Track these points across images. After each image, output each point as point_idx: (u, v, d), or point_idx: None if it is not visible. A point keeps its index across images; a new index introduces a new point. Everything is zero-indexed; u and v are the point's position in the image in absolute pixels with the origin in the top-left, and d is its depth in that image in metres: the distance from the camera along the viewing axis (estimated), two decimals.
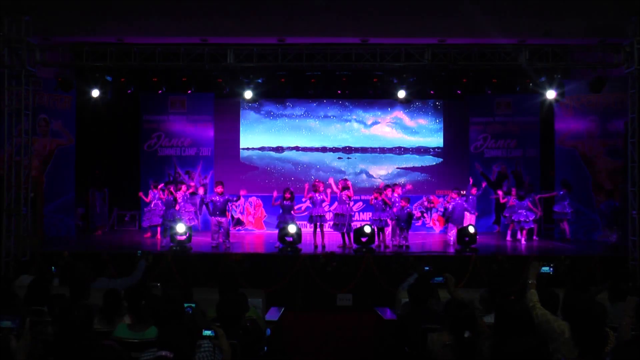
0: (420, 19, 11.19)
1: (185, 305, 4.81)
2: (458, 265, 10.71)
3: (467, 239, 11.39)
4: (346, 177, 14.48)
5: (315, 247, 12.01)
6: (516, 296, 5.41)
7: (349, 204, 12.30)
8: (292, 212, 12.31)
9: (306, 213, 12.97)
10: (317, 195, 12.25)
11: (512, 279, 10.07)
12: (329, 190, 12.50)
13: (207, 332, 4.12)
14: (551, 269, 5.32)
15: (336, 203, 12.46)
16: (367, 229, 11.47)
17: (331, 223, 12.56)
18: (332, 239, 13.04)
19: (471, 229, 11.55)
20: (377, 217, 12.21)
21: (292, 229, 11.31)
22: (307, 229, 12.84)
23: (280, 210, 12.34)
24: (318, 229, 12.28)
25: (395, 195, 12.32)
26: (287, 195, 12.20)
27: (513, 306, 4.00)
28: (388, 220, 12.24)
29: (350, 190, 12.36)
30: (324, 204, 12.46)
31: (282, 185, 13.41)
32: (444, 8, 11.04)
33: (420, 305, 5.80)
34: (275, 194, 12.27)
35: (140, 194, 13.96)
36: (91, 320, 4.22)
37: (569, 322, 4.08)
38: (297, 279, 10.68)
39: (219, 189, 12.27)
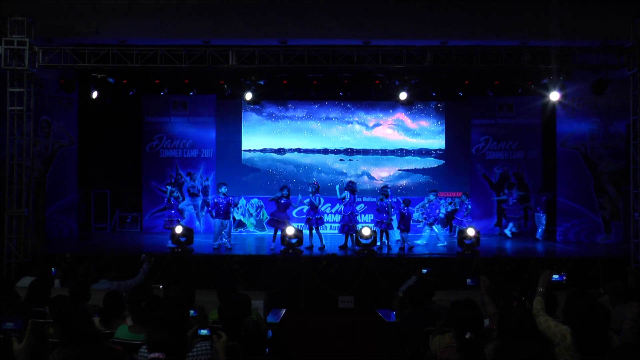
0: (421, 21, 11.19)
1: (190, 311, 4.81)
2: (460, 268, 10.70)
3: (468, 241, 11.39)
4: (350, 179, 14.50)
5: (311, 247, 11.96)
6: (518, 298, 5.39)
7: (353, 205, 12.31)
8: (287, 210, 12.29)
9: (304, 215, 13.02)
10: (316, 197, 12.26)
11: (514, 280, 10.07)
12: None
13: (203, 332, 4.10)
14: (562, 277, 5.26)
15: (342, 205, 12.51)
16: (369, 231, 11.47)
17: (330, 225, 12.61)
18: (333, 240, 13.04)
19: (472, 232, 11.56)
20: (380, 219, 12.20)
21: (288, 230, 11.34)
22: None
23: (276, 207, 12.34)
24: (314, 231, 12.29)
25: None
26: (283, 192, 12.20)
27: (516, 311, 3.99)
28: (392, 222, 12.24)
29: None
30: (319, 207, 12.52)
31: None
32: (445, 10, 11.04)
33: (419, 308, 5.79)
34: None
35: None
36: (89, 323, 4.20)
37: (571, 326, 4.05)
38: (298, 280, 10.68)
39: (223, 191, 12.28)
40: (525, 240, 14.22)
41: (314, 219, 12.28)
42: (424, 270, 7.76)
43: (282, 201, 12.22)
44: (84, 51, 11.31)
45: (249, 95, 12.70)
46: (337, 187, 12.45)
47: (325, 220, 13.69)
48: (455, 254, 11.56)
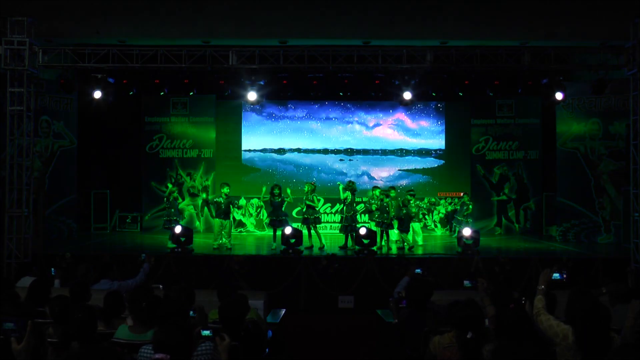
0: (422, 21, 11.19)
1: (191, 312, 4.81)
2: (460, 268, 10.70)
3: (468, 241, 11.39)
4: (349, 179, 14.49)
5: (310, 247, 11.96)
6: (518, 299, 5.38)
7: (353, 205, 12.31)
8: (281, 209, 12.26)
9: (301, 215, 13.04)
10: (313, 197, 12.25)
11: (514, 280, 10.06)
12: None
13: (205, 332, 4.10)
14: (563, 275, 5.25)
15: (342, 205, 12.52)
16: (369, 231, 11.46)
17: (330, 225, 12.57)
18: (333, 240, 13.04)
19: (472, 232, 11.56)
20: (380, 218, 12.20)
21: (287, 230, 11.33)
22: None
23: (271, 208, 12.34)
24: (312, 231, 12.28)
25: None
26: (275, 191, 12.19)
27: (512, 313, 3.98)
28: (392, 222, 12.24)
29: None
30: (318, 207, 12.55)
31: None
32: (445, 10, 11.03)
33: (418, 308, 5.78)
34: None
35: None
36: (94, 322, 4.21)
37: (573, 326, 4.05)
38: (298, 280, 10.67)
39: (226, 191, 12.27)
40: (526, 240, 14.23)
41: (312, 219, 12.26)
42: (417, 270, 7.74)
43: (275, 200, 12.20)
44: (84, 51, 11.31)
45: (252, 95, 12.58)
46: (341, 187, 12.44)
47: (323, 220, 13.69)
48: (455, 254, 11.55)
